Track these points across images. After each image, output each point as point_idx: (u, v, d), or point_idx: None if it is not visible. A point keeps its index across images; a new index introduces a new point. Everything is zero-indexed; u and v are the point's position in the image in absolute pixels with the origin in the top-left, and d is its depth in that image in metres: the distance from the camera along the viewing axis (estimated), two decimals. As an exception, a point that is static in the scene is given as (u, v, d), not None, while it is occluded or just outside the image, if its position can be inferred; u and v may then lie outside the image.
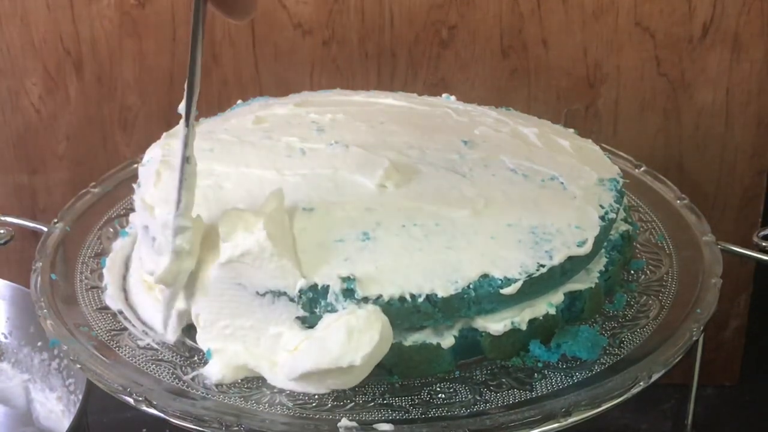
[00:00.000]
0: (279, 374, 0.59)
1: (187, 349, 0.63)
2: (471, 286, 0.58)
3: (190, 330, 0.63)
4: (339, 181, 0.67)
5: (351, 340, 0.56)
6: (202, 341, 0.61)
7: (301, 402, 0.59)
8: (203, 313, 0.61)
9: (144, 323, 0.65)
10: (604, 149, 0.76)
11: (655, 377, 0.59)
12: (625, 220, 0.71)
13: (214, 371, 0.60)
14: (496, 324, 0.60)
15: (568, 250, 0.62)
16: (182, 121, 0.59)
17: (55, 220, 0.75)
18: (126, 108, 0.99)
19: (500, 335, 0.61)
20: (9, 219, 0.78)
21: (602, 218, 0.65)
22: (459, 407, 0.58)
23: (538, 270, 0.60)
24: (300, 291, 0.58)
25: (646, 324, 0.64)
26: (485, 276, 0.59)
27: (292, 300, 0.58)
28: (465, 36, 0.93)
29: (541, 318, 0.61)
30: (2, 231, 0.77)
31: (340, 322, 0.57)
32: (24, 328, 0.90)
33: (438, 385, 0.60)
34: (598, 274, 0.65)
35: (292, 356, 0.58)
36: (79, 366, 0.61)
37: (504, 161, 0.70)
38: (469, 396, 0.59)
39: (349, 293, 0.58)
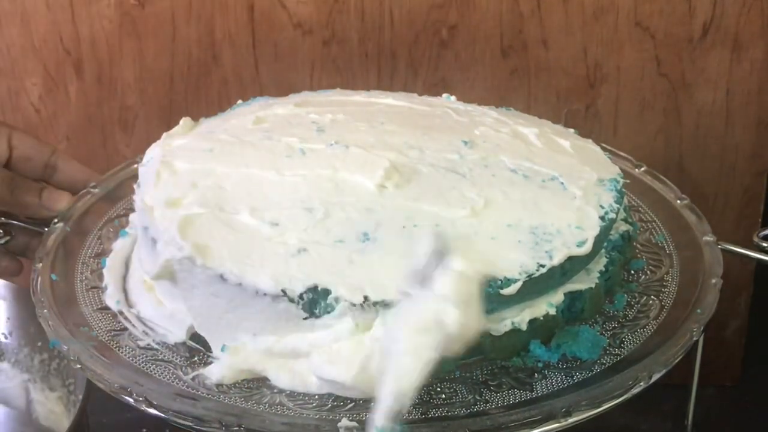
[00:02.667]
0: (282, 374, 0.60)
1: (187, 349, 0.63)
2: (471, 286, 0.58)
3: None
4: (339, 182, 0.67)
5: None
6: (210, 340, 0.62)
7: (301, 402, 0.58)
8: (204, 313, 0.61)
9: (144, 323, 0.65)
10: (604, 149, 0.76)
11: (655, 377, 0.59)
12: (625, 220, 0.71)
13: (214, 371, 0.60)
14: (496, 324, 0.60)
15: (568, 250, 0.62)
16: None
17: (55, 220, 0.75)
18: (126, 108, 0.99)
19: (500, 335, 0.60)
20: (9, 219, 0.78)
21: (602, 218, 0.65)
22: (459, 407, 0.58)
23: (538, 270, 0.60)
24: (300, 292, 0.58)
25: (647, 324, 0.64)
26: (485, 276, 0.59)
27: (292, 301, 0.58)
28: (465, 36, 0.93)
29: (541, 318, 0.61)
30: (1, 231, 0.77)
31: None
32: (24, 328, 0.90)
33: (438, 385, 0.60)
34: (598, 275, 0.65)
35: (326, 361, 0.58)
36: (79, 366, 0.61)
37: (504, 161, 0.70)
38: (469, 396, 0.59)
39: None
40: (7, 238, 0.77)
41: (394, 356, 0.52)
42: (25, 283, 0.75)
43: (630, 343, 0.63)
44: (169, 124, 0.76)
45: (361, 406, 0.58)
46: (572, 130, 0.79)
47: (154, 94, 0.98)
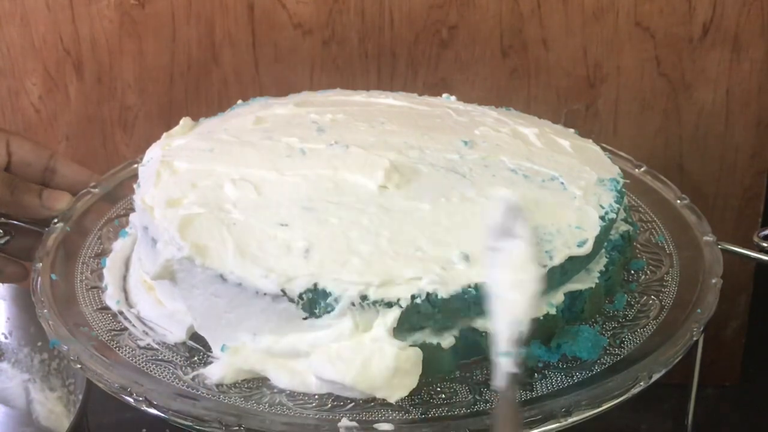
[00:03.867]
0: (282, 374, 0.60)
1: (187, 349, 0.63)
2: (471, 286, 0.58)
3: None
4: (339, 182, 0.67)
5: (395, 377, 0.56)
6: (210, 340, 0.62)
7: (301, 402, 0.58)
8: (204, 313, 0.61)
9: (144, 323, 0.65)
10: (604, 149, 0.76)
11: (655, 377, 0.59)
12: (625, 220, 0.71)
13: (214, 371, 0.60)
14: (496, 324, 0.60)
15: (568, 250, 0.62)
16: None
17: (55, 220, 0.75)
18: (126, 108, 0.99)
19: (500, 335, 0.60)
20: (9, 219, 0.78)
21: (602, 218, 0.65)
22: (459, 407, 0.58)
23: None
24: (300, 292, 0.58)
25: (647, 324, 0.64)
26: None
27: (291, 301, 0.58)
28: (465, 36, 0.93)
29: (541, 318, 0.61)
30: (2, 231, 0.77)
31: (389, 352, 0.56)
32: (24, 328, 0.90)
33: (438, 385, 0.60)
34: (599, 274, 0.65)
35: (326, 361, 0.58)
36: (79, 366, 0.61)
37: (504, 161, 0.70)
38: (469, 396, 0.59)
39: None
40: (7, 238, 0.77)
41: (501, 295, 0.56)
42: (25, 283, 0.75)
43: (630, 343, 0.63)
44: (169, 124, 0.76)
45: (360, 406, 0.58)
46: (572, 130, 0.79)
47: (154, 94, 0.98)
